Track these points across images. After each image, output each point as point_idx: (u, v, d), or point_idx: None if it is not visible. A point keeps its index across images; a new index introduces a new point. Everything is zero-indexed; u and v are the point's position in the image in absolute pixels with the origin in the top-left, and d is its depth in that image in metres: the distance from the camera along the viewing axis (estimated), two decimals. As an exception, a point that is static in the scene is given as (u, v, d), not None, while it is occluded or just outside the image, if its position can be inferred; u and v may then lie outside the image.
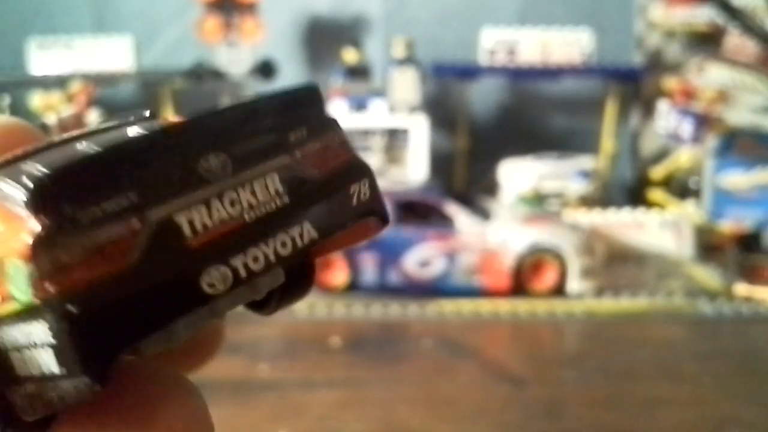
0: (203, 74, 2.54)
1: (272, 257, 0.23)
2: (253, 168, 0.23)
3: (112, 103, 2.53)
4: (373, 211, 0.27)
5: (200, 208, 0.22)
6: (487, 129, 2.76)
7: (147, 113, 0.27)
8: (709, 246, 2.33)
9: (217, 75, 2.55)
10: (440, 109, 2.67)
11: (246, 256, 0.22)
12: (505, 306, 1.98)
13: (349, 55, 2.55)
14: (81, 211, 0.20)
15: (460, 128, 2.61)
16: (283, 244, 0.23)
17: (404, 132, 2.53)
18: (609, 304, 1.97)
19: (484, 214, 2.20)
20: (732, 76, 2.56)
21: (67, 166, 0.20)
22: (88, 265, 0.20)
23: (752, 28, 2.51)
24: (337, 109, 2.50)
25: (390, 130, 2.54)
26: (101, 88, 2.52)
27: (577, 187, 2.49)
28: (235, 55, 2.56)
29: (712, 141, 2.40)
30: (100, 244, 0.20)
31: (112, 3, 2.70)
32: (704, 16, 2.66)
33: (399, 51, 2.53)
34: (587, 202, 2.47)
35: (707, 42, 2.66)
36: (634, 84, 2.73)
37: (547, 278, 2.03)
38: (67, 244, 0.20)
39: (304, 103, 0.26)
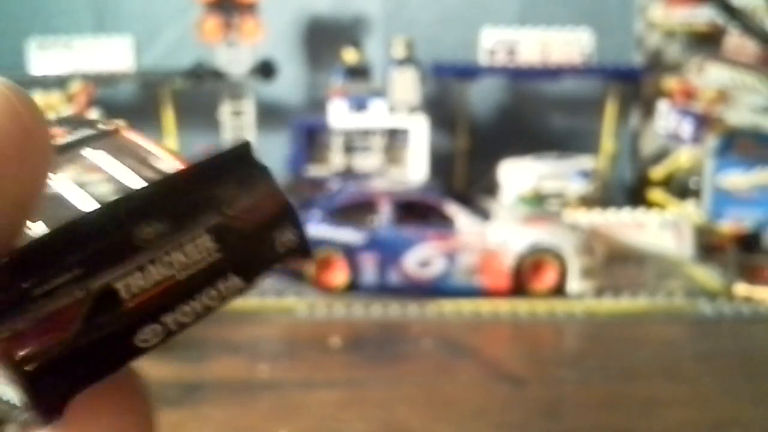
0: (203, 74, 2.54)
1: (200, 310, 0.26)
2: (185, 231, 0.26)
3: (112, 103, 2.53)
4: (295, 251, 0.28)
5: (136, 273, 0.25)
6: (487, 129, 2.76)
7: (105, 127, 0.31)
8: (709, 246, 2.32)
9: (217, 75, 2.55)
10: (440, 109, 2.67)
11: (176, 312, 0.25)
12: (505, 306, 1.97)
13: (349, 55, 2.55)
14: (34, 288, 0.23)
15: (460, 128, 2.61)
16: (211, 297, 0.26)
17: (404, 132, 2.53)
18: (609, 304, 1.97)
19: (484, 214, 2.20)
20: (732, 76, 2.56)
21: (23, 250, 0.24)
22: (39, 331, 0.23)
23: (752, 28, 2.51)
24: (337, 109, 2.50)
25: (390, 130, 2.54)
26: (101, 89, 2.53)
27: (577, 187, 2.49)
28: (235, 55, 2.56)
29: (712, 141, 2.39)
30: (50, 314, 0.24)
31: (112, 3, 2.71)
32: (704, 16, 2.66)
33: (399, 51, 2.53)
34: (587, 202, 2.46)
35: (707, 42, 2.66)
36: (634, 84, 2.73)
37: (547, 278, 2.03)
38: (23, 315, 0.23)
39: (235, 162, 0.28)
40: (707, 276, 2.13)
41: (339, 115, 2.53)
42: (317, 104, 2.63)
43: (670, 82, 2.53)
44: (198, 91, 2.57)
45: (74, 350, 0.24)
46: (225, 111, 2.59)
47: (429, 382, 1.61)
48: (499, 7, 2.74)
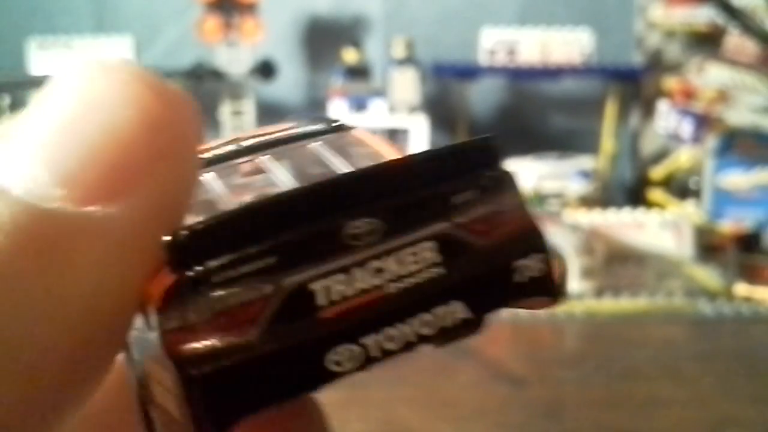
0: (203, 74, 2.54)
1: (412, 337, 0.21)
2: (405, 235, 0.22)
3: (112, 103, 2.53)
4: (539, 290, 0.24)
5: (338, 276, 0.21)
6: (486, 129, 2.76)
7: (335, 123, 0.27)
8: (709, 246, 2.31)
9: (217, 75, 2.55)
10: (440, 109, 2.67)
11: (380, 335, 0.21)
12: (504, 306, 1.98)
13: (349, 55, 2.56)
14: (214, 273, 0.20)
15: (460, 128, 2.61)
16: (427, 324, 0.21)
17: (404, 132, 2.53)
18: (609, 304, 1.96)
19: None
20: (732, 76, 2.56)
21: (208, 224, 0.20)
22: (214, 327, 0.20)
23: (752, 28, 2.51)
24: (337, 109, 2.51)
25: (390, 130, 2.54)
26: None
27: (577, 187, 2.48)
28: (235, 55, 2.56)
29: (712, 141, 2.39)
30: (230, 308, 0.20)
31: (112, 3, 2.71)
32: (704, 16, 2.64)
33: (399, 51, 2.52)
34: (587, 202, 2.46)
35: (707, 42, 2.64)
36: (634, 84, 2.73)
37: (547, 278, 2.03)
38: (198, 303, 0.20)
39: (477, 160, 0.24)
40: (707, 276, 2.13)
41: (339, 115, 2.52)
42: (317, 104, 2.63)
43: (670, 82, 2.52)
44: (198, 91, 2.57)
45: (252, 359, 0.20)
46: (225, 111, 2.59)
47: (429, 382, 1.61)
48: (499, 7, 2.74)
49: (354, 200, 0.21)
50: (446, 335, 0.22)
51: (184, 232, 0.20)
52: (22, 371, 0.18)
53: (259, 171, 0.26)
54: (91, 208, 0.19)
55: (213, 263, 0.20)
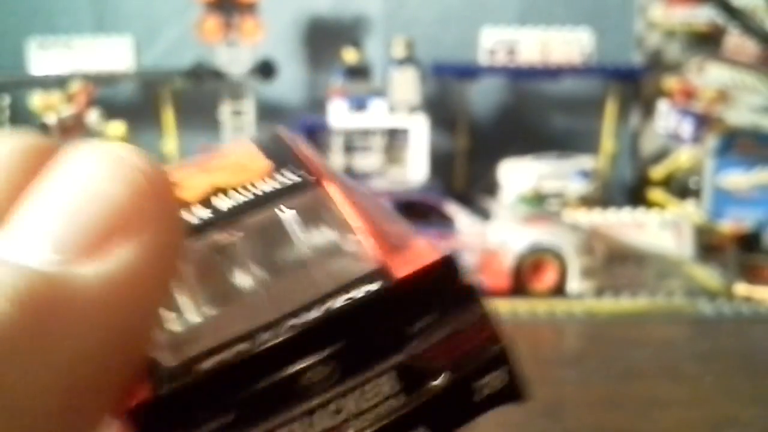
0: (203, 74, 2.54)
1: None
2: (361, 374, 0.22)
3: (112, 102, 2.53)
4: (501, 401, 0.24)
5: (301, 422, 0.21)
6: (487, 129, 2.76)
7: (300, 180, 0.26)
8: (709, 246, 2.32)
9: (217, 75, 2.55)
10: (440, 109, 2.67)
11: None
12: (504, 306, 1.97)
13: (349, 55, 2.55)
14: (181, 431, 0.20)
15: (460, 128, 2.61)
16: None
17: (404, 132, 2.53)
18: (609, 304, 1.97)
19: (484, 214, 2.20)
20: (732, 76, 2.56)
21: (172, 388, 0.21)
22: None
23: (752, 28, 2.51)
24: (337, 109, 2.51)
25: (390, 130, 2.54)
26: (101, 88, 2.52)
27: (577, 187, 2.48)
28: (235, 55, 2.56)
29: (712, 141, 2.40)
30: None
31: (112, 3, 2.71)
32: (704, 16, 2.65)
33: (399, 51, 2.52)
34: (587, 202, 2.46)
35: (707, 42, 2.65)
36: (634, 84, 2.73)
37: (547, 278, 2.03)
38: None
39: (435, 284, 0.23)
40: (707, 276, 2.13)
41: (339, 115, 2.53)
42: (317, 104, 2.63)
43: (670, 82, 2.53)
44: (198, 90, 2.57)
45: None
46: (225, 111, 2.59)
47: (429, 382, 1.62)
48: (499, 6, 2.74)
49: (306, 350, 0.21)
50: None
51: (143, 401, 0.20)
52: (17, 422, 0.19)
53: (228, 250, 0.25)
54: (79, 269, 0.20)
55: (178, 425, 0.21)
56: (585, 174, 2.50)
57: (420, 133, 2.50)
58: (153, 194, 0.22)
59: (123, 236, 0.21)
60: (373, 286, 0.23)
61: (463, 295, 0.23)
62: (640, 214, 2.33)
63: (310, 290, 0.24)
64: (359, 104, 2.51)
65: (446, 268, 0.23)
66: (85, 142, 0.23)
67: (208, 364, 0.22)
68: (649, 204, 2.45)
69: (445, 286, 0.23)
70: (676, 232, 2.32)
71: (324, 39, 2.75)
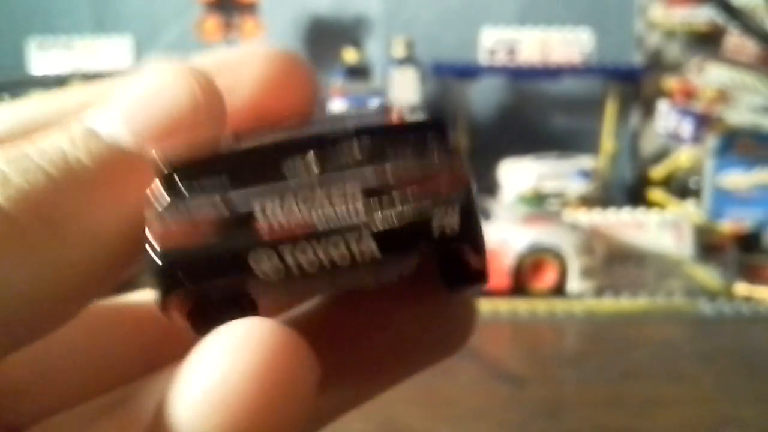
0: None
1: (324, 260, 0.26)
2: (335, 176, 0.26)
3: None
4: (457, 240, 0.27)
5: (275, 197, 0.26)
6: (486, 129, 2.77)
7: (381, 108, 0.31)
8: (709, 246, 2.31)
9: (217, 74, 2.56)
10: (440, 108, 2.69)
11: (296, 248, 0.26)
12: (504, 305, 1.97)
13: (349, 55, 2.56)
14: (185, 182, 0.26)
15: (459, 128, 2.61)
16: (339, 251, 0.26)
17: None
18: (609, 303, 1.96)
19: (483, 214, 2.19)
20: (732, 75, 2.56)
21: (184, 147, 0.27)
22: (174, 222, 0.26)
23: (752, 28, 2.51)
24: (337, 108, 2.52)
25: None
26: (100, 88, 2.52)
27: (577, 187, 2.48)
28: (235, 55, 2.56)
29: (712, 141, 2.39)
30: (188, 209, 0.26)
31: (112, 3, 2.71)
32: (704, 16, 2.65)
33: (399, 51, 2.53)
34: (587, 201, 2.46)
35: (707, 42, 2.65)
36: (634, 84, 2.74)
37: (547, 278, 2.03)
38: (166, 203, 0.26)
39: (422, 131, 0.27)
40: (707, 275, 2.13)
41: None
42: (317, 103, 2.63)
43: (670, 82, 2.52)
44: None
45: (196, 248, 0.26)
46: (225, 111, 2.60)
47: (429, 382, 1.60)
48: (499, 6, 2.75)
49: (302, 146, 0.27)
50: (357, 269, 0.26)
51: (164, 152, 0.27)
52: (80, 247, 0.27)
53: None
54: (148, 153, 0.28)
55: (182, 177, 0.26)
56: (585, 174, 2.50)
57: None
58: (206, 109, 0.29)
59: (177, 135, 0.28)
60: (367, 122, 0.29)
61: (444, 147, 0.27)
62: (640, 213, 2.33)
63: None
64: (359, 104, 2.52)
65: (436, 124, 0.28)
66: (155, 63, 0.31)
67: (211, 140, 0.28)
68: (649, 204, 2.45)
69: (430, 135, 0.27)
70: (676, 232, 2.32)
71: (324, 39, 2.75)
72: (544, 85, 2.78)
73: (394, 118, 0.30)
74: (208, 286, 0.26)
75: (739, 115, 2.45)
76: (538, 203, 2.42)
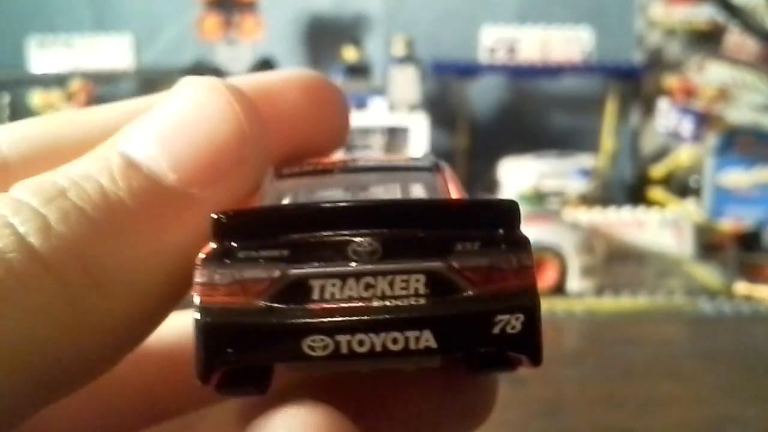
0: (203, 72, 2.54)
1: (378, 348, 0.25)
2: (400, 263, 0.25)
3: (112, 101, 2.54)
4: (516, 347, 0.26)
5: (335, 281, 0.25)
6: (487, 127, 2.77)
7: (429, 163, 0.32)
8: (709, 244, 2.32)
9: (216, 73, 2.54)
10: (440, 107, 2.69)
11: (354, 337, 0.24)
12: (505, 304, 1.97)
13: (349, 54, 2.56)
14: (243, 250, 0.25)
15: (460, 126, 2.62)
16: (395, 342, 0.25)
17: (404, 130, 2.54)
18: (609, 302, 1.96)
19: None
20: (732, 74, 2.57)
21: (245, 212, 0.26)
22: (229, 291, 0.25)
23: (752, 27, 2.52)
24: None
25: (390, 128, 2.55)
26: (101, 87, 2.54)
27: (577, 186, 2.48)
28: (235, 53, 2.56)
29: (712, 139, 2.39)
30: (245, 280, 0.25)
31: (111, 2, 2.73)
32: (704, 14, 2.65)
33: (399, 49, 2.53)
34: (587, 200, 2.46)
35: (708, 40, 2.66)
36: (635, 82, 2.74)
37: (547, 277, 2.02)
38: (222, 270, 0.25)
39: (494, 218, 0.27)
40: (707, 274, 2.13)
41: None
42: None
43: (671, 81, 2.53)
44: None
45: (250, 324, 0.25)
46: (225, 109, 2.60)
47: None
48: (499, 5, 2.75)
49: (366, 223, 0.25)
50: (409, 357, 0.25)
51: (224, 215, 0.25)
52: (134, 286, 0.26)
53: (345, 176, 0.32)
54: (190, 191, 0.27)
55: (240, 243, 0.25)
56: (585, 172, 2.50)
57: (420, 131, 2.50)
58: (249, 139, 0.28)
59: (223, 173, 0.27)
60: (434, 198, 0.29)
61: (515, 240, 0.27)
62: (640, 212, 2.34)
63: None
64: (359, 103, 2.52)
65: (507, 211, 0.27)
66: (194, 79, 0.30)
67: (276, 207, 0.28)
68: (649, 203, 2.45)
69: (501, 226, 0.26)
70: (676, 231, 2.31)
71: (324, 37, 2.76)
72: (545, 83, 2.79)
73: (449, 180, 0.30)
74: (251, 364, 0.25)
75: (739, 114, 2.45)
76: (538, 202, 2.42)
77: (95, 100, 2.46)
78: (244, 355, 0.25)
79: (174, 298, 0.27)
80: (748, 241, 2.29)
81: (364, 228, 0.25)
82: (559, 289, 2.01)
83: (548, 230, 2.15)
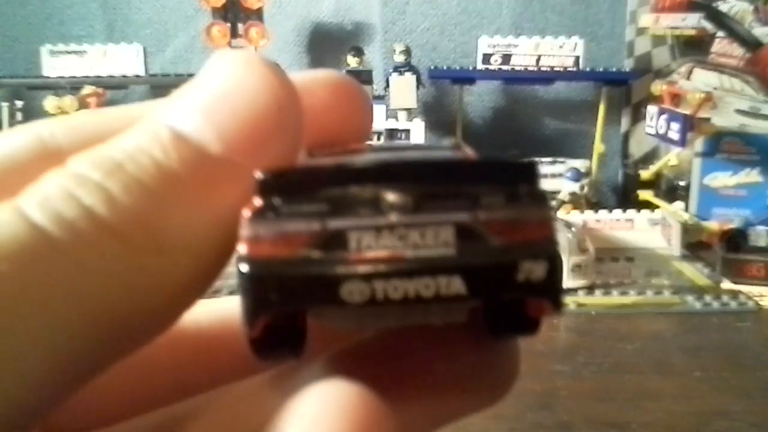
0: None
1: (411, 293, 0.26)
2: (430, 215, 0.27)
3: (121, 107, 2.56)
4: (540, 292, 0.27)
5: (371, 232, 0.27)
6: (482, 131, 2.80)
7: (451, 143, 0.34)
8: (696, 244, 2.34)
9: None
10: (437, 112, 2.70)
11: (389, 283, 0.26)
12: (500, 302, 1.96)
13: (351, 61, 2.56)
14: (285, 205, 0.27)
15: (456, 131, 2.63)
16: (427, 287, 0.26)
17: (403, 134, 2.54)
18: (600, 299, 1.97)
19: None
20: (719, 80, 2.59)
21: (286, 171, 0.28)
22: (273, 244, 0.26)
23: (739, 34, 2.54)
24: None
25: (389, 131, 2.53)
26: (112, 93, 2.54)
27: (570, 188, 2.52)
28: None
29: (699, 143, 2.41)
30: (287, 233, 0.27)
31: (122, 12, 2.72)
32: (692, 22, 2.67)
33: (398, 57, 2.55)
34: (579, 202, 2.49)
35: (695, 47, 2.68)
36: (625, 88, 2.75)
37: (541, 276, 2.03)
38: (267, 224, 0.27)
39: (516, 175, 0.28)
40: (695, 272, 2.15)
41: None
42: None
43: (659, 87, 2.53)
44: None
45: (293, 273, 0.26)
46: (231, 114, 2.61)
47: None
48: (495, 17, 2.76)
49: (398, 178, 0.27)
50: (440, 303, 0.26)
51: (268, 173, 0.27)
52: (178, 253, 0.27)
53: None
54: (235, 160, 0.28)
55: (283, 199, 0.27)
56: (577, 175, 2.52)
57: (418, 136, 2.52)
58: (287, 106, 0.29)
59: (264, 141, 0.28)
60: (461, 157, 0.31)
61: (534, 195, 0.28)
62: (630, 213, 2.33)
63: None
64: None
65: (527, 169, 0.28)
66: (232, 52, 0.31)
67: (315, 166, 0.29)
68: (638, 204, 2.45)
69: (522, 181, 0.28)
70: (665, 231, 2.32)
71: (326, 45, 2.78)
72: (538, 90, 2.81)
73: (470, 153, 0.32)
74: (294, 309, 0.27)
75: (725, 118, 2.47)
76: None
77: (106, 106, 2.48)
78: (288, 300, 0.26)
79: (225, 259, 0.29)
80: (734, 240, 2.30)
81: (396, 184, 0.27)
82: (552, 287, 2.03)
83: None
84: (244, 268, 0.26)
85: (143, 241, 0.26)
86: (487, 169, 0.28)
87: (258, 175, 0.27)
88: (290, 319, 0.28)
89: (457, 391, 0.32)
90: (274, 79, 0.29)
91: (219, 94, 0.29)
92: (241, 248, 0.26)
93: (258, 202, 0.27)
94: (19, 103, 2.57)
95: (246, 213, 0.27)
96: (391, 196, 0.27)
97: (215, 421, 0.32)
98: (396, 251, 0.26)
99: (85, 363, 0.26)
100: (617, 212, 2.37)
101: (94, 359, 0.26)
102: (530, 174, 0.28)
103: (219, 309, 0.37)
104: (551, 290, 0.27)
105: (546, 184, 2.46)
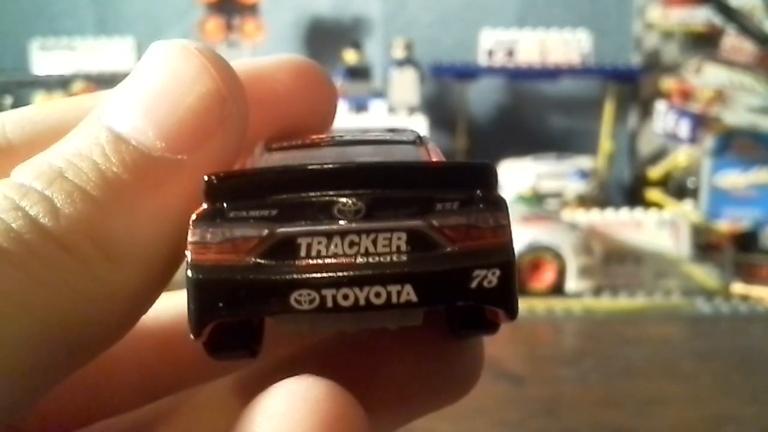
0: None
1: (361, 302, 0.26)
2: (382, 222, 0.26)
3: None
4: (493, 301, 0.27)
5: (321, 238, 0.26)
6: (485, 129, 2.78)
7: (413, 136, 0.34)
8: (706, 245, 2.32)
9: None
10: (439, 109, 2.69)
11: (338, 291, 0.25)
12: (503, 305, 1.97)
13: (350, 56, 2.56)
14: (233, 210, 0.26)
15: (459, 128, 2.62)
16: (377, 296, 0.26)
17: (404, 131, 2.53)
18: (607, 302, 1.97)
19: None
20: (729, 76, 2.57)
21: (235, 174, 0.28)
22: (220, 249, 0.26)
23: (749, 29, 2.52)
24: (338, 110, 2.51)
25: (390, 129, 2.53)
26: (103, 89, 2.52)
27: (576, 187, 2.49)
28: (236, 56, 2.56)
29: (709, 141, 2.39)
30: (235, 238, 0.26)
31: (113, 5, 2.72)
32: (702, 16, 2.66)
33: (398, 52, 2.54)
34: (585, 201, 2.47)
35: (705, 43, 2.66)
36: (632, 84, 2.74)
37: (546, 277, 2.03)
38: (213, 229, 0.26)
39: (471, 179, 0.28)
40: (705, 275, 2.13)
41: (339, 116, 2.52)
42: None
43: (668, 83, 2.53)
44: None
45: (240, 280, 0.26)
46: (226, 111, 2.60)
47: (429, 380, 1.61)
48: (498, 9, 2.76)
49: (350, 184, 0.26)
50: (391, 311, 0.26)
51: (215, 177, 0.26)
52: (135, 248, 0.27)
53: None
54: (179, 156, 0.27)
55: (230, 204, 0.26)
56: (583, 174, 2.51)
57: (419, 132, 2.49)
58: (228, 98, 0.28)
59: (206, 135, 0.28)
60: (416, 160, 0.30)
61: (492, 200, 0.28)
62: (637, 213, 2.32)
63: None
64: (359, 105, 2.52)
65: (484, 173, 0.28)
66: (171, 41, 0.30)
67: (264, 169, 0.29)
68: (646, 204, 2.44)
69: (478, 187, 0.28)
70: (674, 232, 2.30)
71: (324, 40, 2.77)
72: (543, 86, 2.79)
73: (431, 151, 0.31)
74: (241, 318, 0.27)
75: (736, 116, 2.45)
76: (537, 203, 2.43)
77: (97, 102, 2.47)
78: (235, 308, 0.26)
79: (177, 261, 0.28)
80: (745, 241, 2.29)
81: (348, 189, 0.26)
82: (557, 289, 2.02)
83: (547, 231, 2.16)
84: (190, 273, 0.26)
85: (90, 250, 0.26)
86: (442, 173, 0.28)
87: (205, 178, 0.27)
88: (243, 321, 0.28)
89: (419, 391, 0.32)
90: (214, 70, 0.28)
91: (156, 89, 0.28)
92: (188, 253, 0.26)
93: (205, 205, 0.27)
94: (8, 100, 2.55)
95: (193, 217, 0.26)
96: (342, 202, 0.26)
97: (184, 424, 0.32)
98: (347, 258, 0.26)
99: (40, 374, 0.25)
100: (624, 212, 2.35)
101: (50, 370, 0.26)
102: (487, 178, 0.28)
103: (179, 303, 0.35)
104: (504, 298, 0.27)
105: (551, 184, 2.45)
